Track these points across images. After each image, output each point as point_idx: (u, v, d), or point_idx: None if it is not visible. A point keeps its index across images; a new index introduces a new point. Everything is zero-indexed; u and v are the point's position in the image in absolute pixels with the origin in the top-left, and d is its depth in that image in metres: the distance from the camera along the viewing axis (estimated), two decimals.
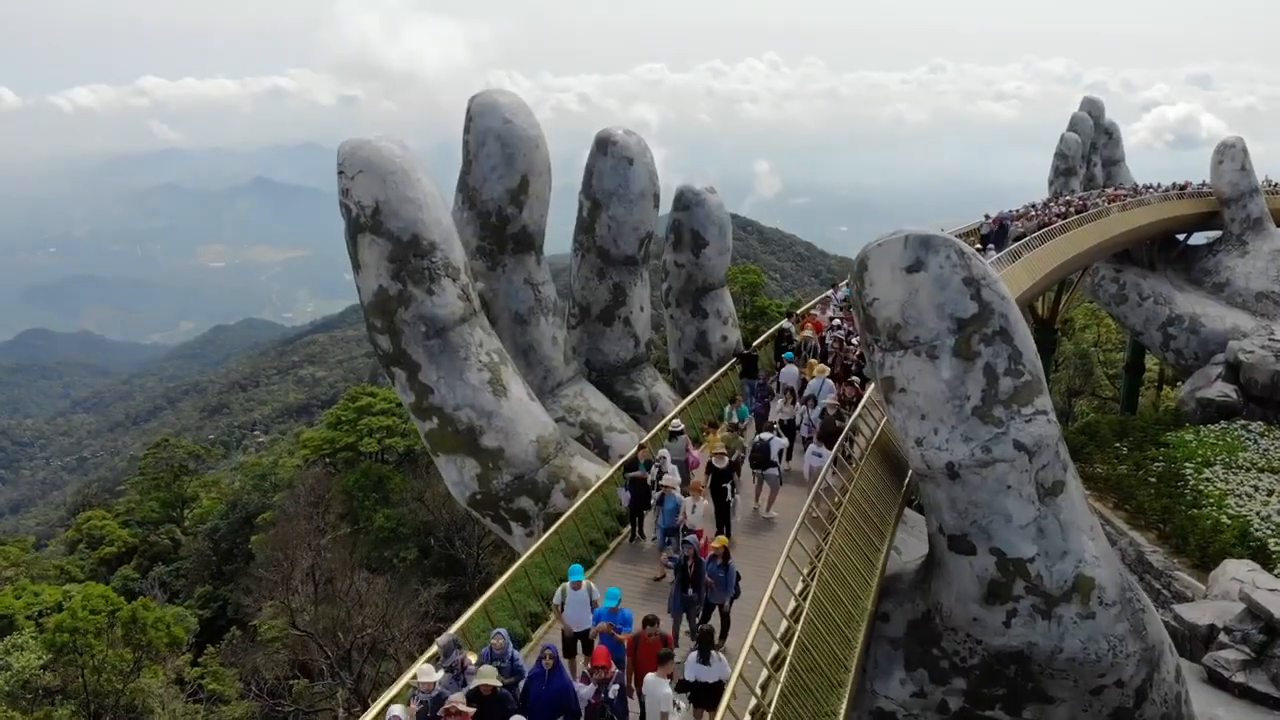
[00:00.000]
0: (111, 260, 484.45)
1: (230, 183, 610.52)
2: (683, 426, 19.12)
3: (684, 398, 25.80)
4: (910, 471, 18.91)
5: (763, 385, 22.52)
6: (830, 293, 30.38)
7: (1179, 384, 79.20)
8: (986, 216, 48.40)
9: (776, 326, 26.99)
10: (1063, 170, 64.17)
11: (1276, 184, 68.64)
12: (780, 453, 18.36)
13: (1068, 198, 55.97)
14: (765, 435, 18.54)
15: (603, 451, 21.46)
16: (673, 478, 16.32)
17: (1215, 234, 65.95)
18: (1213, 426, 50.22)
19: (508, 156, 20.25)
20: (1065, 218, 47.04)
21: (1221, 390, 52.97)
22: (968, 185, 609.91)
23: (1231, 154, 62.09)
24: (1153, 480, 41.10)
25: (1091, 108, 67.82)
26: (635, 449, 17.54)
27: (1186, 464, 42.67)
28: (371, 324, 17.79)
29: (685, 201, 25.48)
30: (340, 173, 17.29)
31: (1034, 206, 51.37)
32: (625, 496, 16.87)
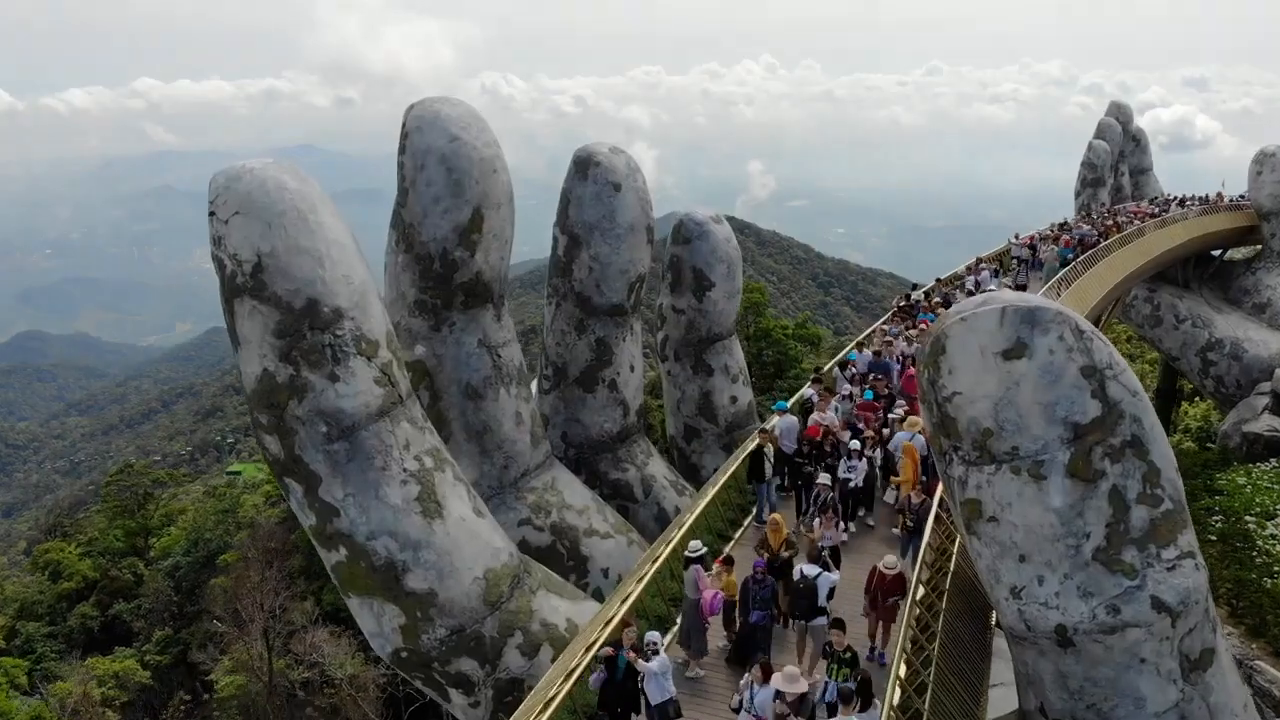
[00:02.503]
0: (107, 262, 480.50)
1: None
2: (702, 549, 14.21)
3: (684, 475, 21.17)
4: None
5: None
6: (839, 377, 23.32)
7: (1196, 399, 74.66)
8: (1016, 237, 43.75)
9: (797, 396, 22.06)
10: (1091, 180, 59.51)
11: None
12: (831, 592, 13.53)
13: (1104, 216, 51.28)
14: (809, 569, 13.63)
15: (580, 565, 16.68)
16: (661, 662, 11.52)
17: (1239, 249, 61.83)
18: (1264, 466, 45.59)
19: (455, 184, 15.48)
20: (1106, 237, 42.34)
21: (1270, 424, 48.35)
22: (965, 187, 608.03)
23: (1272, 164, 57.49)
24: (1214, 539, 36.33)
25: (1119, 113, 63.15)
26: (616, 632, 12.43)
27: (1247, 516, 37.91)
28: (256, 420, 13.01)
29: (686, 234, 20.75)
30: (211, 214, 12.54)
31: (1065, 225, 46.63)
32: (597, 681, 11.91)
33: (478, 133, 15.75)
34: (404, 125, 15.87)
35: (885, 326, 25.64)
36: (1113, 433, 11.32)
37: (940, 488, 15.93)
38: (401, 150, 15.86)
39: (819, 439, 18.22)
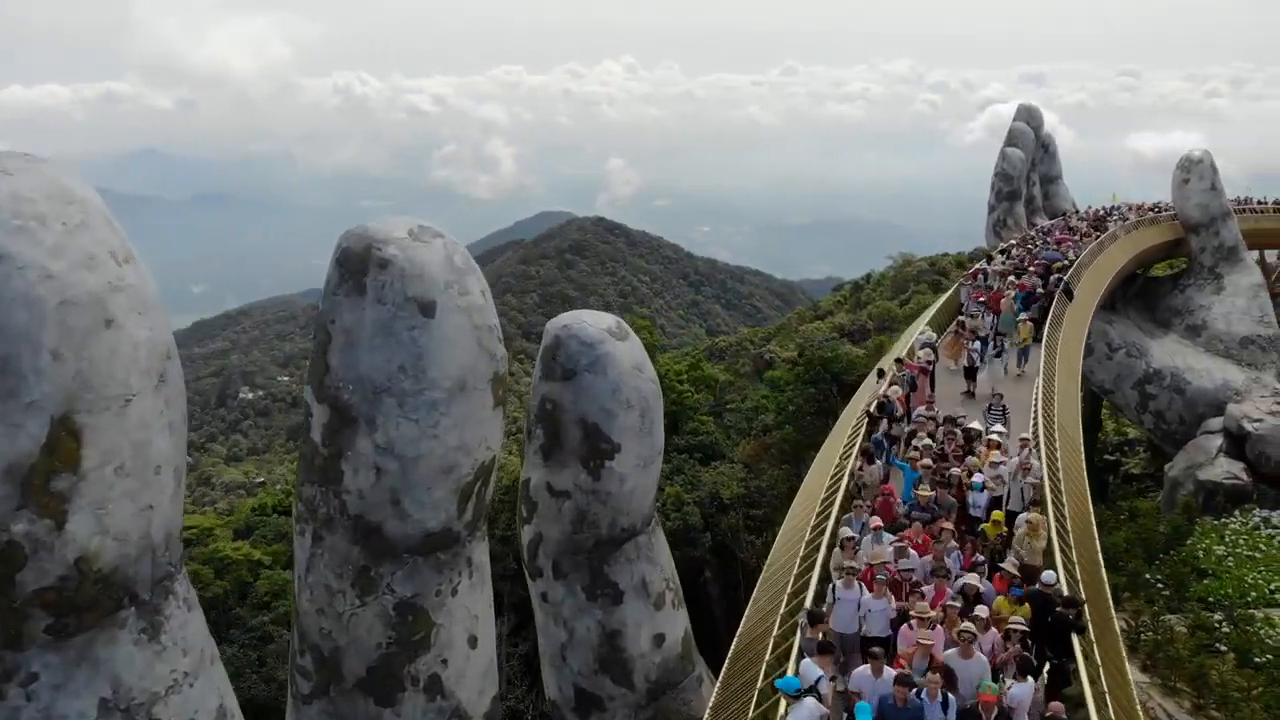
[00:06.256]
0: None
1: None
2: None
3: None
4: None
5: None
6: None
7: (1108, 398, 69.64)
8: (975, 276, 35.52)
9: (792, 657, 12.57)
10: (1006, 194, 53.21)
11: (1248, 198, 59.38)
12: None
13: (1033, 239, 44.62)
14: None
15: None
16: None
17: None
18: (1232, 523, 39.46)
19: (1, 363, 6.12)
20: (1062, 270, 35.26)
21: (1228, 470, 42.28)
22: (823, 184, 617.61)
23: (1199, 170, 52.02)
24: (1224, 648, 29.34)
25: (1029, 117, 57.19)
26: None
27: (1252, 611, 31.25)
28: None
29: (567, 362, 11.70)
30: None
31: (1007, 259, 39.26)
32: None
33: (66, 234, 6.40)
34: None
35: (848, 533, 13.54)
36: None
37: None
38: None
39: None
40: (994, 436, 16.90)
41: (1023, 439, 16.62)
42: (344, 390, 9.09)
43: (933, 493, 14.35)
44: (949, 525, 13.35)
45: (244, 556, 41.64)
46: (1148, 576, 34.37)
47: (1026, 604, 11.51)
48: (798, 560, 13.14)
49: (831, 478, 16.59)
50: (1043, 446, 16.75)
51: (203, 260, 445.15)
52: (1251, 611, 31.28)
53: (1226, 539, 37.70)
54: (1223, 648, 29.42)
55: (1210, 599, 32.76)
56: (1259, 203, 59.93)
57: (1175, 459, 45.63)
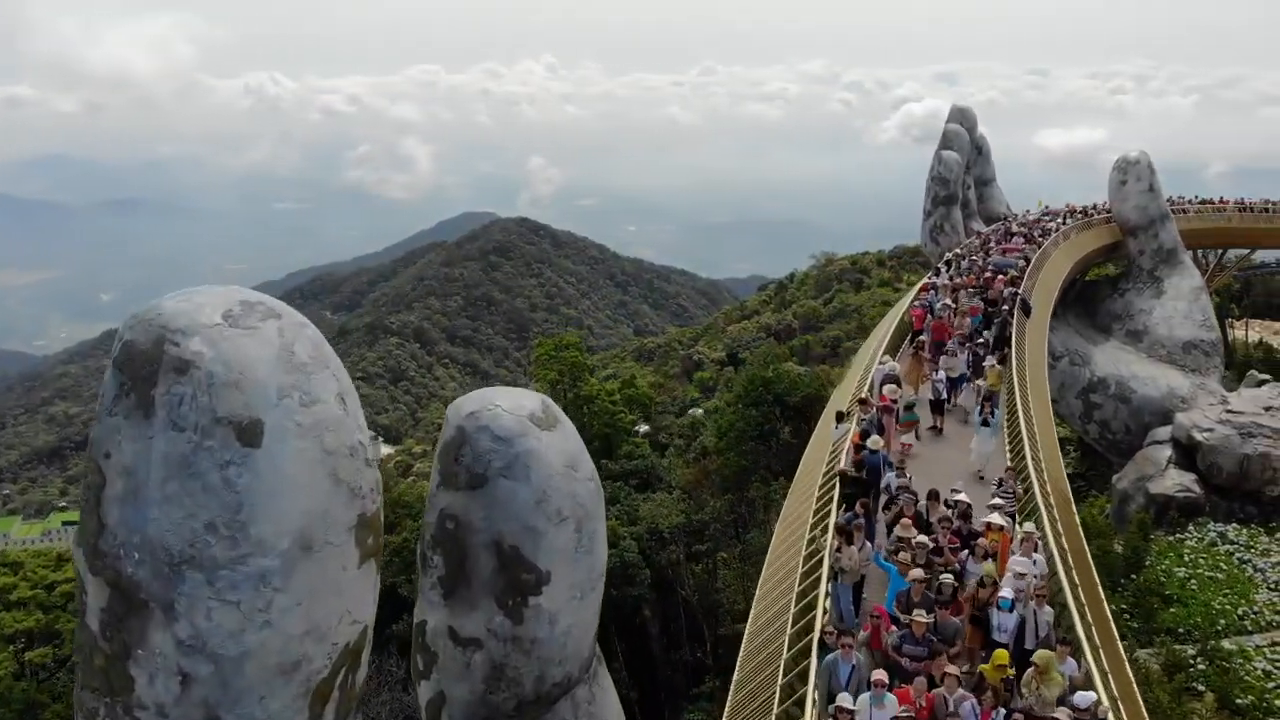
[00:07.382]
0: None
1: None
2: None
3: None
4: None
5: None
6: None
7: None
8: (926, 290, 32.86)
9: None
10: (943, 198, 51.30)
11: (1181, 198, 58.50)
12: None
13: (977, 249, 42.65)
14: None
15: None
16: None
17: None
18: (1188, 539, 38.10)
19: None
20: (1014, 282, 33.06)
21: (1180, 483, 40.96)
22: (743, 183, 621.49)
23: (1136, 171, 50.90)
24: (1200, 686, 27.54)
25: (963, 119, 55.48)
26: None
27: (1224, 641, 29.67)
28: None
29: (477, 463, 8.38)
30: None
31: (951, 270, 37.01)
32: None
33: None
34: None
35: (848, 704, 10.22)
36: None
37: None
38: None
39: None
40: (994, 519, 13.66)
41: (1027, 534, 13.23)
42: (127, 561, 5.94)
43: (934, 618, 11.25)
44: (953, 670, 10.17)
45: None
46: (1113, 607, 32.51)
47: None
48: (774, 707, 10.20)
49: (805, 560, 13.77)
50: (1047, 528, 13.89)
51: (111, 267, 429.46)
52: (1224, 642, 29.69)
53: (1186, 558, 36.29)
54: (1201, 687, 27.79)
55: (1180, 629, 31.19)
56: (1189, 201, 59.32)
57: (1124, 470, 44.24)
